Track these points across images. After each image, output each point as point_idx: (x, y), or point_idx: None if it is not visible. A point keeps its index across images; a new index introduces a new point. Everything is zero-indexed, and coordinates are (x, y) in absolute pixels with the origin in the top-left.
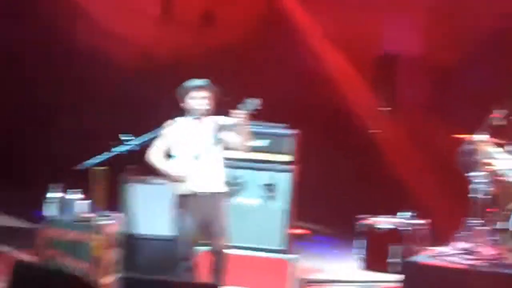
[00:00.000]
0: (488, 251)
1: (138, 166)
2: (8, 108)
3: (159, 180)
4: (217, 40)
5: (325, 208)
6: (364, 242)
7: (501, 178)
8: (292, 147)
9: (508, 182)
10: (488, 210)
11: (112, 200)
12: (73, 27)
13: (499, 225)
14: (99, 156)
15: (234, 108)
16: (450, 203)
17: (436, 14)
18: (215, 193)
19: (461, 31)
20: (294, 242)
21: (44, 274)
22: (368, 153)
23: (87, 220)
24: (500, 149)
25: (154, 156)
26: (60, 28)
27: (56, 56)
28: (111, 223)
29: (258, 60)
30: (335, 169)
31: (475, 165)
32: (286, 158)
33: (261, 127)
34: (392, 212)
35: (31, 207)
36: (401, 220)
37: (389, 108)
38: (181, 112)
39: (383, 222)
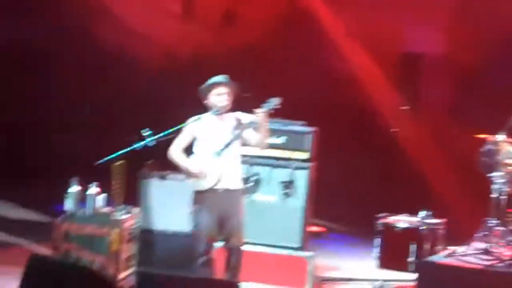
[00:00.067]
0: (506, 251)
1: (157, 161)
2: (32, 102)
3: (178, 176)
4: (239, 39)
5: (346, 206)
6: (382, 241)
7: None
8: (310, 144)
9: None
10: (508, 210)
11: (131, 195)
12: (97, 25)
13: None
14: (119, 151)
15: (255, 105)
16: (470, 202)
17: (460, 14)
18: (232, 190)
19: (485, 31)
20: (311, 240)
21: (59, 268)
22: (390, 152)
23: (105, 214)
24: None
25: (175, 152)
26: (85, 26)
27: (80, 53)
28: (129, 217)
29: (280, 59)
30: (357, 167)
31: (496, 166)
32: (304, 155)
33: (279, 124)
34: (412, 211)
35: (50, 201)
36: (419, 219)
37: (412, 107)
38: (203, 110)
39: (401, 221)
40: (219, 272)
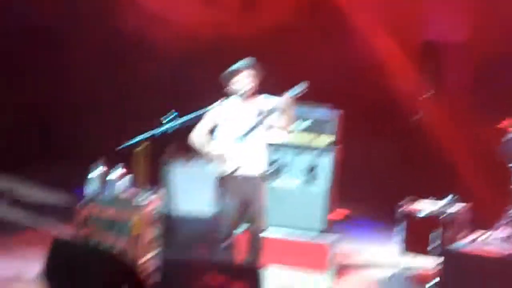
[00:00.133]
0: None
1: (180, 145)
2: (53, 85)
3: (201, 160)
4: (261, 21)
5: (369, 190)
6: (405, 226)
7: None
8: (334, 128)
9: None
10: None
11: (154, 179)
12: (117, 8)
13: None
14: (142, 135)
15: (278, 89)
16: (493, 189)
17: (483, 1)
18: (255, 175)
19: (508, 18)
20: (334, 225)
21: (81, 252)
22: (413, 137)
23: (127, 198)
24: None
25: (198, 135)
26: (105, 8)
27: (100, 36)
28: (152, 201)
29: (303, 41)
30: (379, 152)
31: None
32: (328, 139)
33: (304, 108)
34: (435, 195)
35: (72, 184)
36: (442, 205)
37: (435, 93)
38: (226, 94)
39: (424, 206)
40: (241, 256)
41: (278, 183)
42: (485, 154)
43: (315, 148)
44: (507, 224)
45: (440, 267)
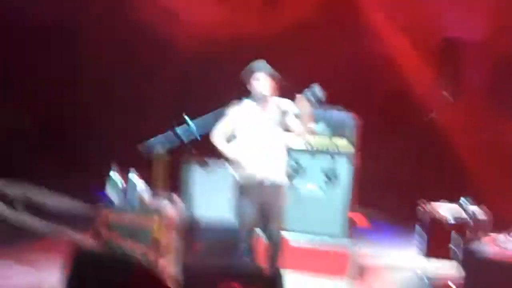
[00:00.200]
0: None
1: (200, 149)
2: (69, 91)
3: (220, 164)
4: (279, 21)
5: (387, 193)
6: (425, 229)
7: None
8: (353, 132)
9: None
10: None
11: (173, 183)
12: (134, 7)
13: None
14: (161, 138)
15: (296, 90)
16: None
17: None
18: (275, 180)
19: None
20: (354, 228)
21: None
22: (430, 138)
23: (147, 203)
24: None
25: (218, 137)
26: (121, 8)
27: (118, 36)
28: (172, 206)
29: (320, 43)
30: (396, 153)
31: None
32: (346, 142)
33: (321, 110)
34: (454, 197)
35: (92, 189)
36: (462, 207)
37: (451, 93)
38: (244, 94)
39: (444, 209)
40: (261, 260)
41: (298, 187)
42: (505, 154)
43: (334, 152)
44: None
45: (461, 270)
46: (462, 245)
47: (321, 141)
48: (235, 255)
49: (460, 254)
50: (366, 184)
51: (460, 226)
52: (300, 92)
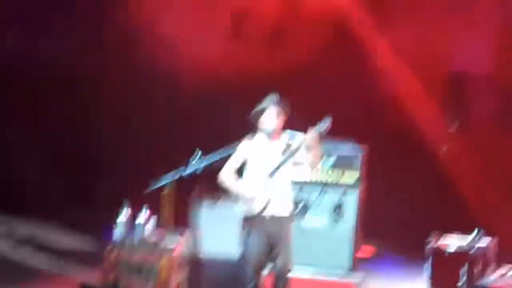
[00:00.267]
0: None
1: (208, 186)
2: (80, 126)
3: (228, 201)
4: (286, 59)
5: (395, 226)
6: (433, 262)
7: None
8: (360, 165)
9: None
10: None
11: (181, 221)
12: (145, 47)
13: None
14: (168, 176)
15: (304, 125)
16: None
17: (506, 33)
18: (282, 216)
19: None
20: (361, 263)
21: None
22: (437, 172)
23: (154, 242)
24: None
25: (226, 175)
26: (131, 45)
27: (128, 75)
28: (178, 244)
29: (328, 79)
30: (404, 186)
31: None
32: (353, 176)
33: (328, 144)
34: (463, 230)
35: (100, 228)
36: (469, 239)
37: (459, 127)
38: (251, 131)
39: (452, 241)
40: None
41: (305, 221)
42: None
43: (341, 186)
44: None
45: None
46: (471, 278)
47: (329, 174)
48: None
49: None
50: (374, 216)
51: (468, 257)
52: (309, 126)
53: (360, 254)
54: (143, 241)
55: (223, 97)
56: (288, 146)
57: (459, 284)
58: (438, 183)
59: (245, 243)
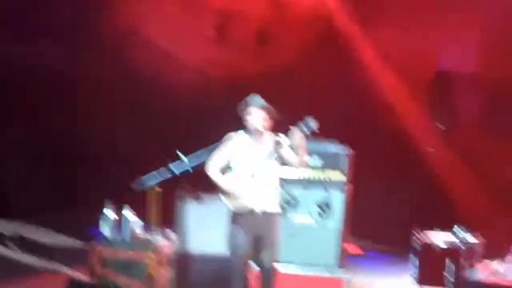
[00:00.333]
0: None
1: (193, 184)
2: (66, 127)
3: (214, 199)
4: (273, 61)
5: (381, 224)
6: (418, 257)
7: None
8: (346, 165)
9: None
10: None
11: (167, 219)
12: (130, 49)
13: None
14: (154, 175)
15: (290, 124)
16: (505, 217)
17: (492, 32)
18: (268, 212)
19: None
20: (348, 260)
21: None
22: (423, 170)
23: (142, 239)
24: None
25: (213, 168)
26: (118, 51)
27: (114, 77)
28: (166, 241)
29: (313, 80)
30: (390, 186)
31: None
32: (340, 176)
33: (315, 144)
34: (446, 227)
35: (86, 225)
36: (455, 235)
37: (445, 126)
38: (239, 128)
39: (438, 238)
40: None
41: (292, 218)
42: (497, 182)
43: (328, 184)
44: None
45: None
46: (457, 274)
47: (316, 173)
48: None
49: (454, 282)
50: (359, 214)
51: (453, 253)
52: (293, 125)
53: (346, 251)
54: (130, 238)
55: (209, 98)
56: (274, 145)
57: (444, 278)
58: (424, 181)
59: (232, 239)
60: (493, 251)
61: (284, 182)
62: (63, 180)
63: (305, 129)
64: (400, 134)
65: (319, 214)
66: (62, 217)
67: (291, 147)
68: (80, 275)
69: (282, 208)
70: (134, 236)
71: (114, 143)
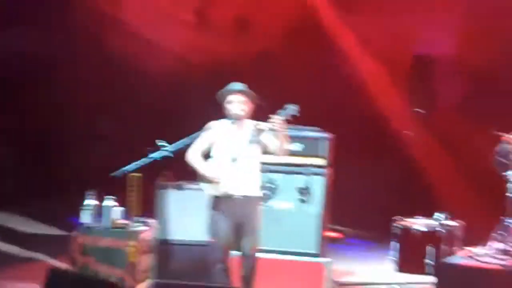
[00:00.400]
0: None
1: (173, 171)
2: (44, 115)
3: (194, 185)
4: (253, 46)
5: (362, 210)
6: (399, 244)
7: None
8: (326, 150)
9: None
10: None
11: (147, 206)
12: (109, 36)
13: None
14: (135, 162)
15: (271, 112)
16: (486, 202)
17: (471, 15)
18: (249, 196)
19: (496, 32)
20: (328, 246)
21: (78, 281)
22: (405, 155)
23: (122, 226)
24: None
25: (193, 155)
26: (96, 37)
27: (92, 64)
28: (146, 229)
29: (293, 66)
30: (370, 172)
31: (510, 164)
32: (320, 161)
33: (295, 130)
34: (427, 213)
35: (66, 214)
36: (435, 221)
37: (424, 110)
38: (218, 117)
39: (418, 223)
40: (236, 280)
41: (272, 204)
42: (478, 168)
43: (308, 169)
44: (502, 234)
45: (437, 282)
46: (437, 259)
47: (296, 159)
48: (210, 276)
49: (435, 268)
50: (340, 201)
51: (434, 239)
52: (274, 112)
53: (326, 237)
54: (110, 226)
55: (189, 85)
56: (255, 131)
57: (426, 262)
58: (404, 167)
59: (213, 225)
60: (475, 237)
61: (264, 168)
62: (43, 168)
63: (286, 116)
64: (381, 120)
65: (300, 199)
66: (42, 206)
67: (272, 134)
68: (61, 264)
69: (263, 195)
70: (114, 223)
71: (95, 130)
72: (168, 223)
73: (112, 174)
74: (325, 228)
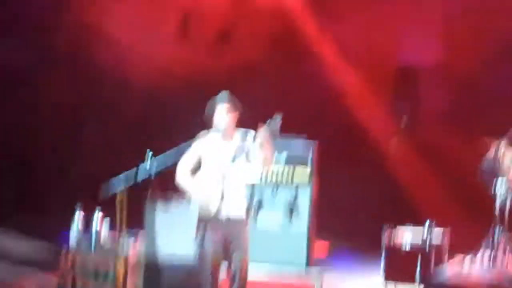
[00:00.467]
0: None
1: (162, 186)
2: (32, 129)
3: (183, 201)
4: (234, 57)
5: (350, 220)
6: (388, 254)
7: None
8: (311, 160)
9: None
10: None
11: (136, 222)
12: (93, 48)
13: None
14: (122, 177)
15: (255, 123)
16: (472, 212)
17: (455, 23)
18: (237, 215)
19: (480, 39)
20: (317, 259)
21: None
22: (387, 166)
23: (109, 245)
24: None
25: (182, 174)
26: (79, 49)
27: (77, 76)
28: (133, 246)
29: (275, 76)
30: (357, 180)
31: (499, 172)
32: (305, 171)
33: (279, 140)
34: (416, 221)
35: (56, 231)
36: (423, 230)
37: (408, 120)
38: (201, 129)
39: (405, 234)
40: None
41: (259, 220)
42: (462, 176)
43: (294, 183)
44: (490, 243)
45: None
46: (425, 269)
47: (281, 171)
48: None
49: (423, 279)
50: (328, 212)
51: (424, 249)
52: (259, 123)
53: (315, 249)
54: (98, 245)
55: (174, 96)
56: (241, 143)
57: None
58: (388, 177)
59: (201, 245)
60: (465, 246)
61: (251, 181)
62: (29, 186)
63: (270, 128)
64: (365, 130)
65: (287, 213)
66: (29, 225)
67: (259, 144)
68: (49, 284)
69: (250, 209)
70: (102, 242)
71: (81, 145)
72: (156, 238)
73: (101, 190)
74: (313, 240)
